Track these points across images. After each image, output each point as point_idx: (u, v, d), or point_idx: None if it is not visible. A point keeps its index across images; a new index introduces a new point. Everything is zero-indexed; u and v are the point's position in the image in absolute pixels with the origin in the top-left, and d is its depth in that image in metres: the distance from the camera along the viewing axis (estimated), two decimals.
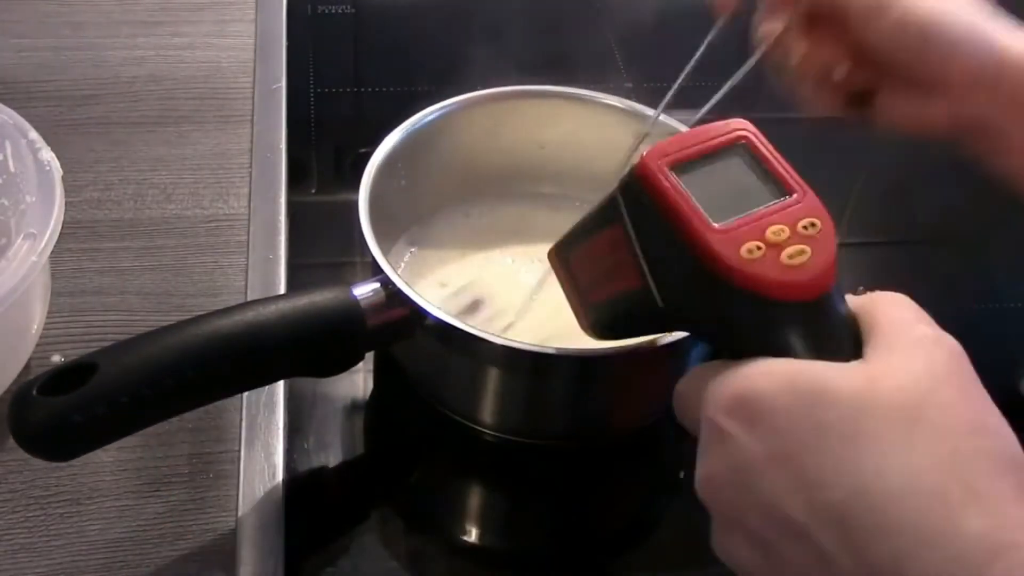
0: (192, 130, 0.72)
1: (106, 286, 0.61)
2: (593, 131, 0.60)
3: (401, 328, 0.48)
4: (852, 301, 0.37)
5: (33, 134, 0.55)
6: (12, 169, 0.54)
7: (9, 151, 0.54)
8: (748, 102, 0.80)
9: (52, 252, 0.50)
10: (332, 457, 0.53)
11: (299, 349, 0.46)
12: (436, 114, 0.59)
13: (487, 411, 0.53)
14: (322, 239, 0.65)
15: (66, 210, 0.52)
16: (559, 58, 0.78)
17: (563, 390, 0.51)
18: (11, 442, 0.41)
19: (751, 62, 0.51)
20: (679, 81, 0.54)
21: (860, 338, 0.35)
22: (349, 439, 0.54)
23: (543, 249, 0.47)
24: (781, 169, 0.38)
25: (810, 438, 0.31)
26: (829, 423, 0.31)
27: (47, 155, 0.54)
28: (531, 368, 0.49)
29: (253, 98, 0.75)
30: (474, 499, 0.54)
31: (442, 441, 0.55)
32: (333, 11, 0.85)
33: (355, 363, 0.49)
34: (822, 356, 0.34)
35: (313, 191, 0.69)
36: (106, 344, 0.43)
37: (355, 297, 0.47)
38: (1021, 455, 0.32)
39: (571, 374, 0.50)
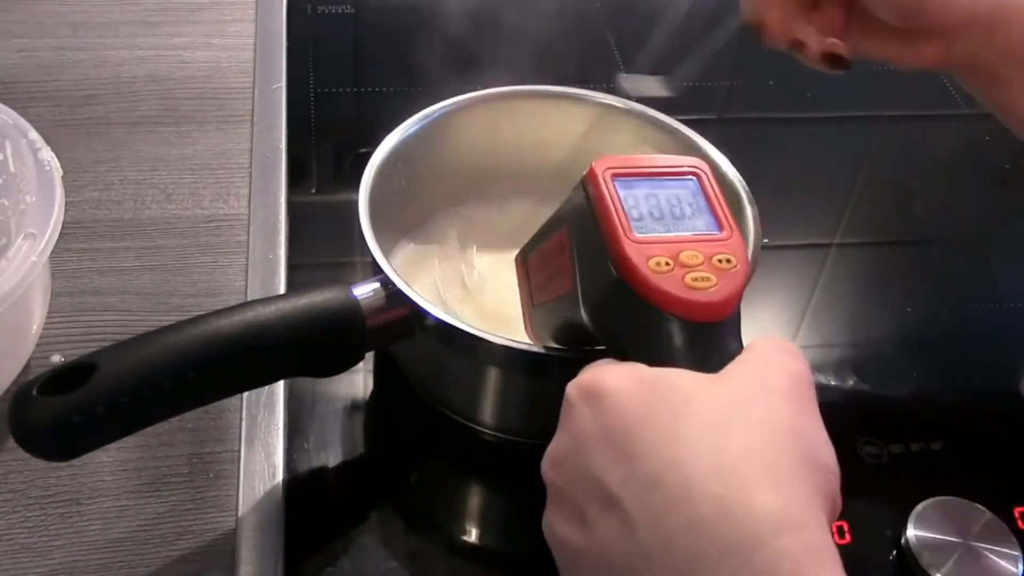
0: (192, 130, 0.72)
1: (106, 286, 0.61)
2: (593, 131, 0.60)
3: (401, 328, 0.48)
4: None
5: (33, 134, 0.55)
6: (12, 169, 0.54)
7: (9, 151, 0.54)
8: (749, 102, 0.81)
9: (52, 252, 0.50)
10: (332, 457, 0.53)
11: (299, 349, 0.46)
12: (436, 114, 0.58)
13: (487, 411, 0.53)
14: (322, 239, 0.65)
15: (66, 210, 0.52)
16: (559, 58, 0.78)
17: (563, 390, 0.51)
18: (11, 442, 0.41)
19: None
20: None
21: None
22: (349, 439, 0.54)
23: None
24: (719, 209, 0.40)
25: (641, 417, 0.34)
26: (661, 406, 0.34)
27: (47, 155, 0.54)
28: (531, 368, 0.49)
29: (253, 98, 0.75)
30: (474, 499, 0.54)
31: (442, 441, 0.55)
32: (333, 11, 0.85)
33: (355, 363, 0.49)
34: (694, 370, 0.36)
35: (313, 191, 0.69)
36: (106, 344, 0.43)
37: (355, 297, 0.47)
38: (829, 463, 0.34)
39: (571, 374, 0.50)
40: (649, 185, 0.40)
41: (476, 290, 0.58)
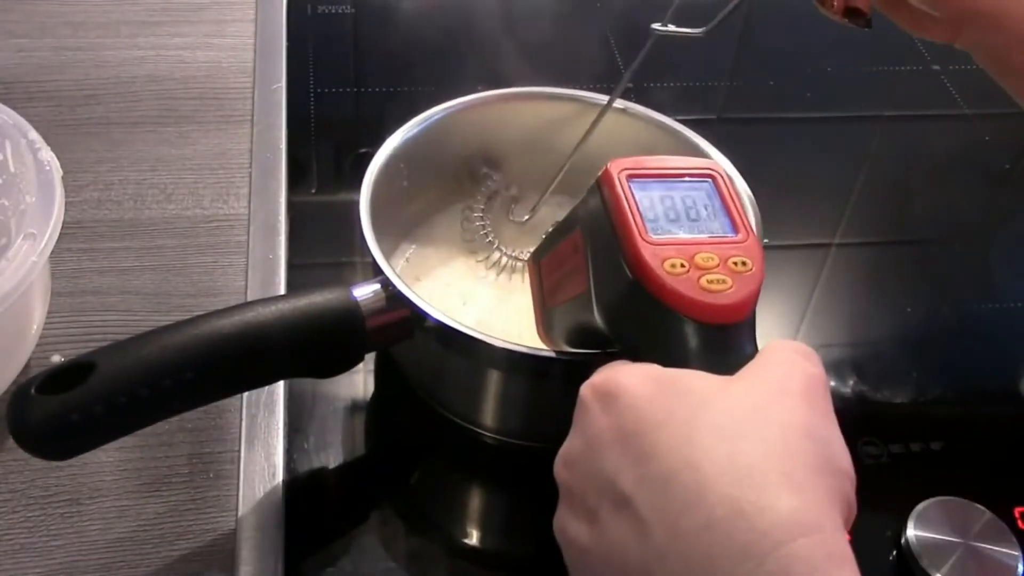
0: (192, 130, 0.72)
1: (106, 286, 0.61)
2: (594, 132, 0.60)
3: (401, 330, 0.48)
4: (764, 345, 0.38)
5: (33, 134, 0.55)
6: (12, 169, 0.54)
7: (9, 151, 0.54)
8: (749, 102, 0.81)
9: (52, 252, 0.50)
10: (332, 458, 0.53)
11: (298, 350, 0.46)
12: (438, 116, 0.58)
13: (487, 413, 0.53)
14: (322, 239, 0.65)
15: (66, 210, 0.52)
16: (559, 58, 0.78)
17: (563, 393, 0.51)
18: (11, 442, 0.41)
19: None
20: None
21: None
22: (349, 440, 0.54)
23: None
24: (735, 211, 0.40)
25: (657, 418, 0.34)
26: (677, 407, 0.34)
27: (47, 155, 0.54)
28: (531, 371, 0.49)
29: (253, 98, 0.75)
30: (474, 501, 0.54)
31: (442, 443, 0.55)
32: (333, 11, 0.85)
33: (355, 364, 0.49)
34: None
35: (313, 191, 0.69)
36: (106, 344, 0.43)
37: (355, 298, 0.47)
38: (845, 467, 0.33)
39: (571, 377, 0.50)
40: (664, 186, 0.40)
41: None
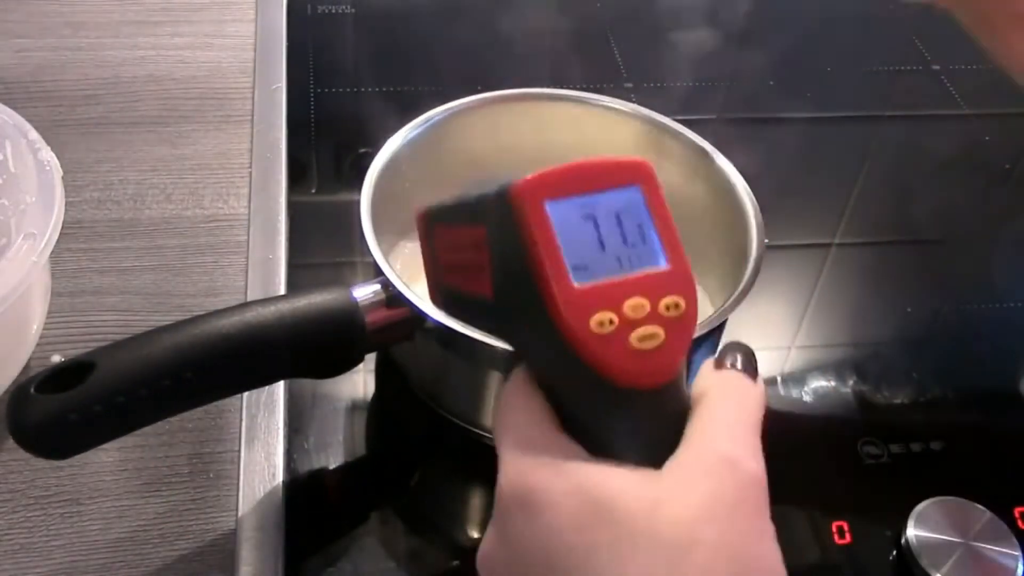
0: (192, 130, 0.72)
1: (106, 286, 0.61)
2: (594, 133, 0.60)
3: (401, 330, 0.48)
4: (699, 379, 0.37)
5: (33, 134, 0.55)
6: (12, 169, 0.54)
7: (9, 151, 0.54)
8: (749, 102, 0.81)
9: (52, 252, 0.50)
10: (332, 458, 0.53)
11: (298, 351, 0.46)
12: (439, 117, 0.58)
13: (488, 415, 0.53)
14: (322, 239, 0.65)
15: (66, 210, 0.52)
16: (559, 59, 0.78)
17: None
18: (11, 442, 0.40)
19: None
20: None
21: (683, 431, 0.35)
22: (349, 440, 0.54)
23: None
24: (663, 228, 0.35)
25: (580, 551, 0.32)
26: (602, 543, 0.31)
27: (47, 155, 0.54)
28: None
29: (253, 98, 0.75)
30: (474, 502, 0.54)
31: (442, 444, 0.55)
32: (333, 11, 0.85)
33: (355, 365, 0.48)
34: (639, 446, 0.34)
35: (313, 191, 0.69)
36: (106, 344, 0.43)
37: (355, 299, 0.47)
38: None
39: None
40: (585, 205, 0.35)
41: None
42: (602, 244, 0.35)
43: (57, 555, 0.48)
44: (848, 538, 0.51)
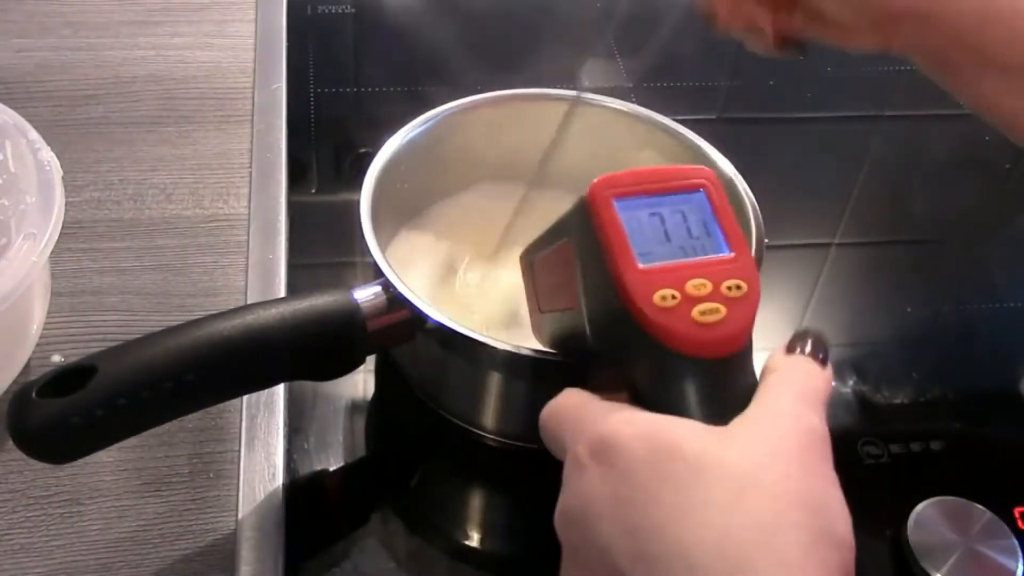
0: (192, 130, 0.72)
1: (106, 286, 0.61)
2: (594, 133, 0.60)
3: (402, 332, 0.48)
4: (768, 361, 0.37)
5: (33, 134, 0.55)
6: (12, 169, 0.54)
7: (9, 151, 0.54)
8: (749, 102, 0.81)
9: (52, 252, 0.50)
10: (333, 459, 0.53)
11: (299, 353, 0.46)
12: (438, 117, 0.58)
13: (488, 415, 0.53)
14: (322, 239, 0.65)
15: (66, 210, 0.52)
16: (559, 59, 0.78)
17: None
18: (11, 442, 0.41)
19: None
20: None
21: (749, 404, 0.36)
22: (350, 441, 0.54)
23: None
24: (727, 225, 0.38)
25: (651, 486, 0.33)
26: (670, 474, 0.32)
27: (47, 155, 0.54)
28: (532, 373, 0.49)
29: (253, 98, 0.75)
30: (475, 503, 0.54)
31: (442, 444, 0.55)
32: (333, 11, 0.85)
33: (356, 367, 0.48)
34: (705, 415, 0.35)
35: (313, 191, 0.69)
36: (106, 344, 0.43)
37: (356, 301, 0.47)
38: (843, 536, 0.32)
39: (573, 379, 0.50)
40: (653, 204, 0.38)
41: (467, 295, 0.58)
42: (668, 236, 0.37)
43: (57, 555, 0.49)
44: None
